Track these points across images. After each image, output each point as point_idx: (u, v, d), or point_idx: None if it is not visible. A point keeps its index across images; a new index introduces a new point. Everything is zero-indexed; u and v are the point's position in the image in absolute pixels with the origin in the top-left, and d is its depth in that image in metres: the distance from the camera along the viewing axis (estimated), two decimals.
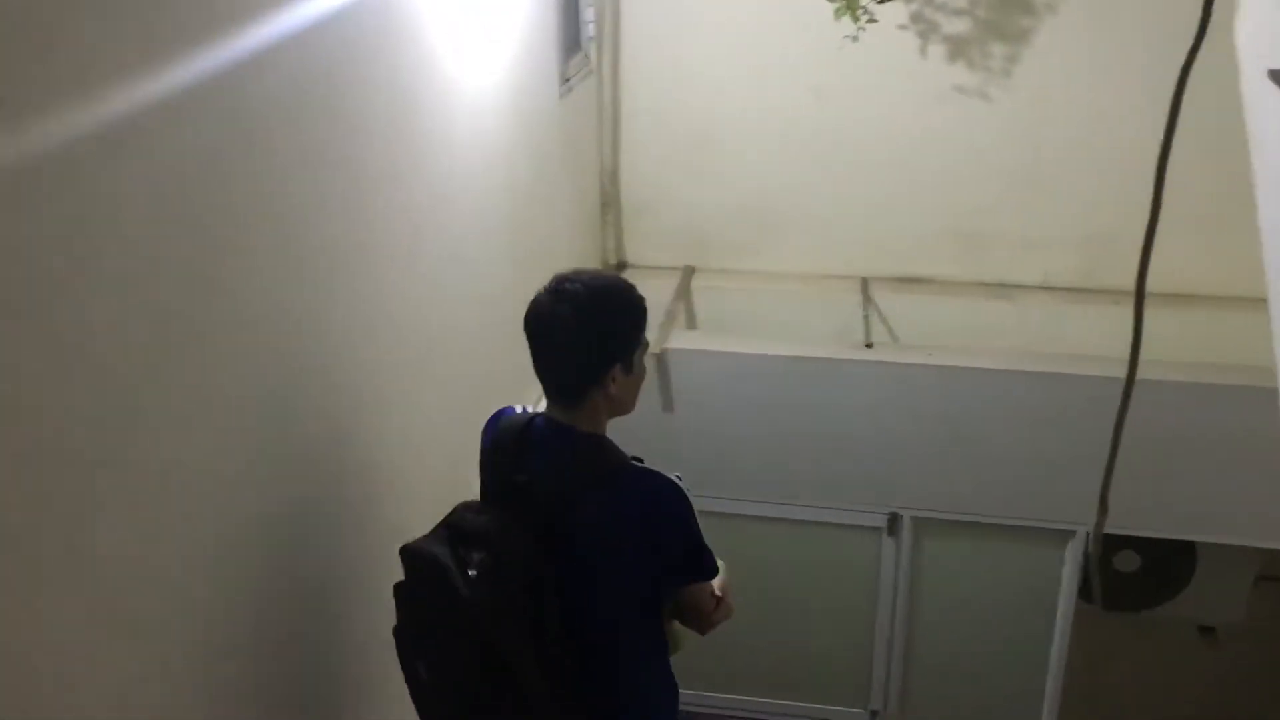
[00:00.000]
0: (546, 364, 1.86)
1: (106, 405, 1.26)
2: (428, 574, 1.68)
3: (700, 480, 3.71)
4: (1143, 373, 3.41)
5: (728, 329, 4.22)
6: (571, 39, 3.60)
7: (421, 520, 2.08)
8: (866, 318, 3.90)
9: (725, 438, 3.74)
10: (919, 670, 4.07)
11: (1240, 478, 3.50)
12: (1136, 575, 4.19)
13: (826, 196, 4.17)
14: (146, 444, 1.33)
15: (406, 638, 1.75)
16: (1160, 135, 3.47)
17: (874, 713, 4.15)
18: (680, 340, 3.71)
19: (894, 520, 3.80)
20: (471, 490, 2.46)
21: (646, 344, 1.92)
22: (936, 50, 3.77)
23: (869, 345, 3.66)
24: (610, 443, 1.89)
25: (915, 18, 3.72)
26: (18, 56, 1.10)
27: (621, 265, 4.34)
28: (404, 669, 1.76)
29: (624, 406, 1.92)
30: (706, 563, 1.95)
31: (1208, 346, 3.75)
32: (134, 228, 1.31)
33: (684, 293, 4.18)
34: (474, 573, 1.66)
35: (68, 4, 1.18)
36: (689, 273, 4.29)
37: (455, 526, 1.73)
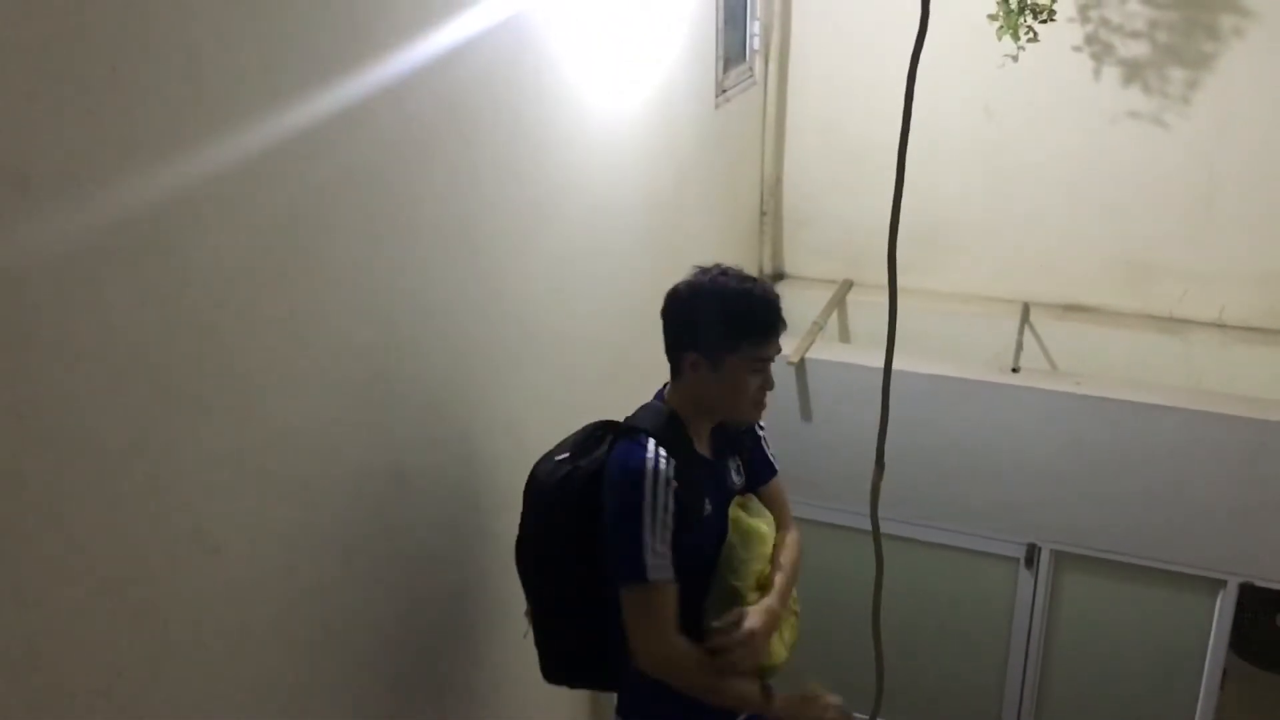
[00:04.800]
0: None
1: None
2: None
3: (833, 493, 3.77)
4: None
5: (882, 346, 4.20)
6: (735, 50, 3.69)
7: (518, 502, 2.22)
8: (1020, 343, 3.82)
9: (861, 452, 3.73)
10: (1051, 710, 3.95)
11: None
12: None
13: (992, 218, 4.10)
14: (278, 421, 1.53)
15: None
16: None
17: None
18: (819, 351, 3.73)
19: (1032, 551, 3.71)
20: None
21: (759, 359, 1.98)
22: (1111, 73, 3.66)
23: (1015, 370, 3.59)
24: (665, 414, 1.99)
25: (1090, 39, 3.62)
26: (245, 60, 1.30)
27: (779, 275, 4.39)
28: None
29: (706, 402, 2.02)
30: (622, 562, 1.88)
31: None
32: (308, 227, 1.55)
33: (836, 306, 4.20)
34: (559, 458, 1.98)
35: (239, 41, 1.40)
36: (845, 287, 4.30)
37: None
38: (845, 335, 4.33)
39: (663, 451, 1.90)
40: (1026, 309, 4.10)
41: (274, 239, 1.52)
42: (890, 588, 3.85)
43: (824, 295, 4.20)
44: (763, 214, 4.22)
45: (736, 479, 2.15)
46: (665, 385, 2.09)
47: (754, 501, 2.17)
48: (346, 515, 1.77)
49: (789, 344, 3.72)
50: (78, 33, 1.18)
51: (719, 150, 3.59)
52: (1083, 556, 3.67)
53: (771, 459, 2.23)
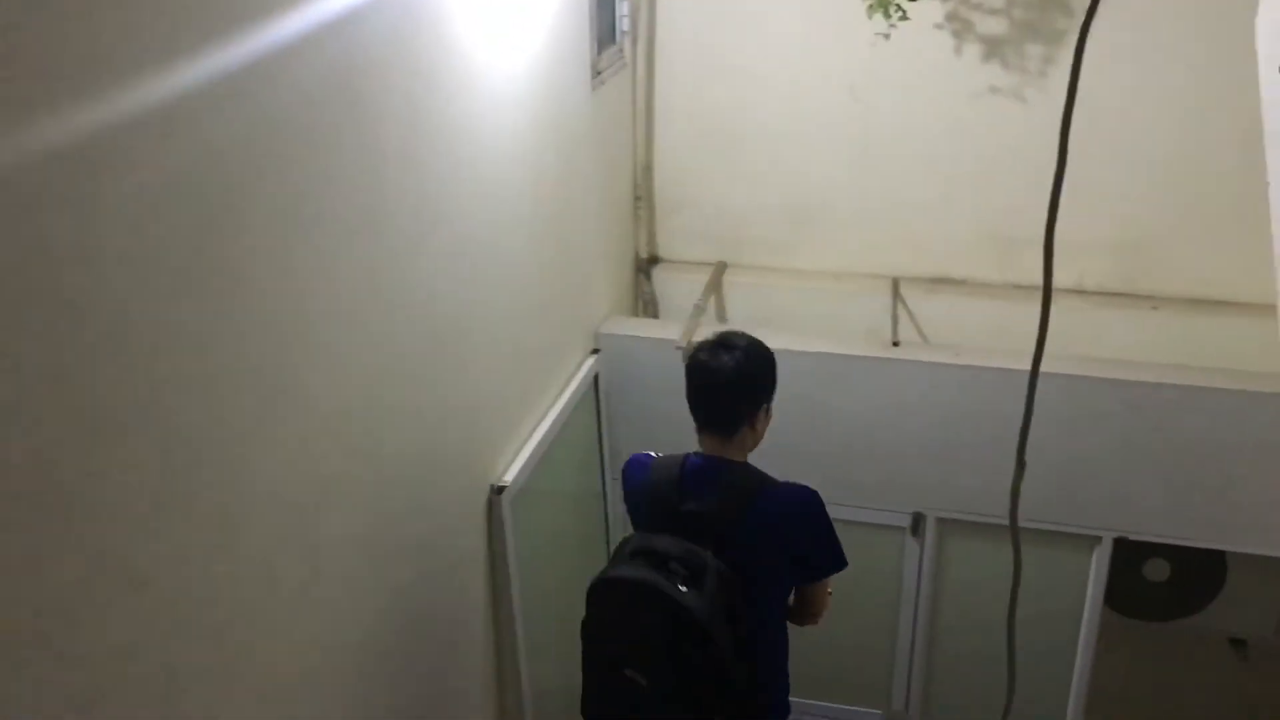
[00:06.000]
0: (712, 405, 2.27)
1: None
2: (648, 597, 2.02)
3: None
4: (1176, 378, 3.41)
5: (758, 325, 4.22)
6: (606, 32, 3.63)
7: (432, 506, 2.13)
8: (895, 317, 3.89)
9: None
10: (940, 673, 4.05)
11: (1274, 487, 3.44)
12: (1165, 584, 4.14)
13: (860, 195, 4.16)
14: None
15: (622, 653, 2.08)
16: (1201, 140, 3.43)
17: (894, 714, 4.13)
18: (707, 335, 3.71)
19: (918, 520, 3.79)
20: (480, 475, 2.51)
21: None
22: (971, 50, 3.75)
23: (895, 344, 3.65)
24: (754, 468, 2.31)
25: (951, 17, 3.70)
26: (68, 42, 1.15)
27: (654, 259, 4.36)
28: (610, 683, 2.09)
29: (759, 441, 2.35)
30: (842, 560, 2.36)
31: (1246, 353, 3.70)
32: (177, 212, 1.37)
33: (714, 288, 4.20)
34: (684, 587, 2.02)
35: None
36: (721, 268, 4.31)
37: (649, 553, 2.10)
38: (723, 317, 4.34)
39: None
40: (896, 284, 4.19)
41: (175, 240, 1.38)
42: None
43: (700, 279, 4.19)
44: (636, 198, 4.18)
45: None
46: (696, 453, 2.30)
47: None
48: (267, 537, 1.65)
49: (673, 329, 3.70)
50: None
51: (597, 133, 3.52)
52: (966, 522, 3.77)
53: None
